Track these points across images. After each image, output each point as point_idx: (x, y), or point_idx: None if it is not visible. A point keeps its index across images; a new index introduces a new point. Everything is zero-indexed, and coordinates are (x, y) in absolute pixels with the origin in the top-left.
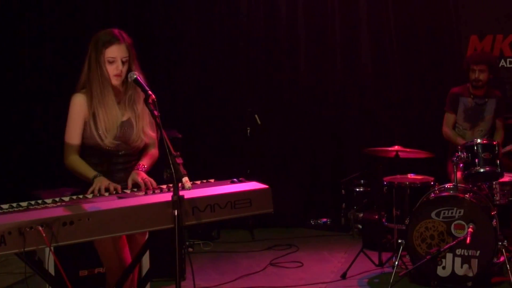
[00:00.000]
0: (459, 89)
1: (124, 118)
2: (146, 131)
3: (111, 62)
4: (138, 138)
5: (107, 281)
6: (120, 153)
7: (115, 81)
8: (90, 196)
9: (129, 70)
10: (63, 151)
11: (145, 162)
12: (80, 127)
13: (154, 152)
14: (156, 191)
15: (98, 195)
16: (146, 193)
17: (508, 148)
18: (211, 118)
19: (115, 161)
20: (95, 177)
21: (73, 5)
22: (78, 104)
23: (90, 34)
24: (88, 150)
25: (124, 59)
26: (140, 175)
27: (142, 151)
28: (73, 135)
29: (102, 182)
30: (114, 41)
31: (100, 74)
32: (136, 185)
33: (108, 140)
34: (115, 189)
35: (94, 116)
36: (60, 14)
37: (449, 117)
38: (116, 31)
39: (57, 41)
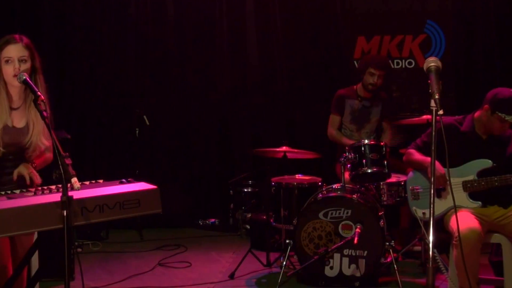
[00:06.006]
0: (346, 91)
1: (20, 125)
2: (41, 139)
3: (8, 62)
4: (31, 145)
5: None
6: (10, 157)
7: (15, 82)
8: None
9: (33, 72)
10: None
11: (37, 161)
12: None
13: (48, 155)
14: (45, 192)
15: None
16: (35, 194)
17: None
18: (100, 119)
19: (4, 165)
20: None
21: None
22: None
23: None
24: None
25: (21, 58)
26: (28, 168)
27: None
28: None
29: None
30: (11, 41)
31: None
32: (21, 179)
33: None
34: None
35: None
36: None
37: (334, 119)
38: (16, 35)
39: None
